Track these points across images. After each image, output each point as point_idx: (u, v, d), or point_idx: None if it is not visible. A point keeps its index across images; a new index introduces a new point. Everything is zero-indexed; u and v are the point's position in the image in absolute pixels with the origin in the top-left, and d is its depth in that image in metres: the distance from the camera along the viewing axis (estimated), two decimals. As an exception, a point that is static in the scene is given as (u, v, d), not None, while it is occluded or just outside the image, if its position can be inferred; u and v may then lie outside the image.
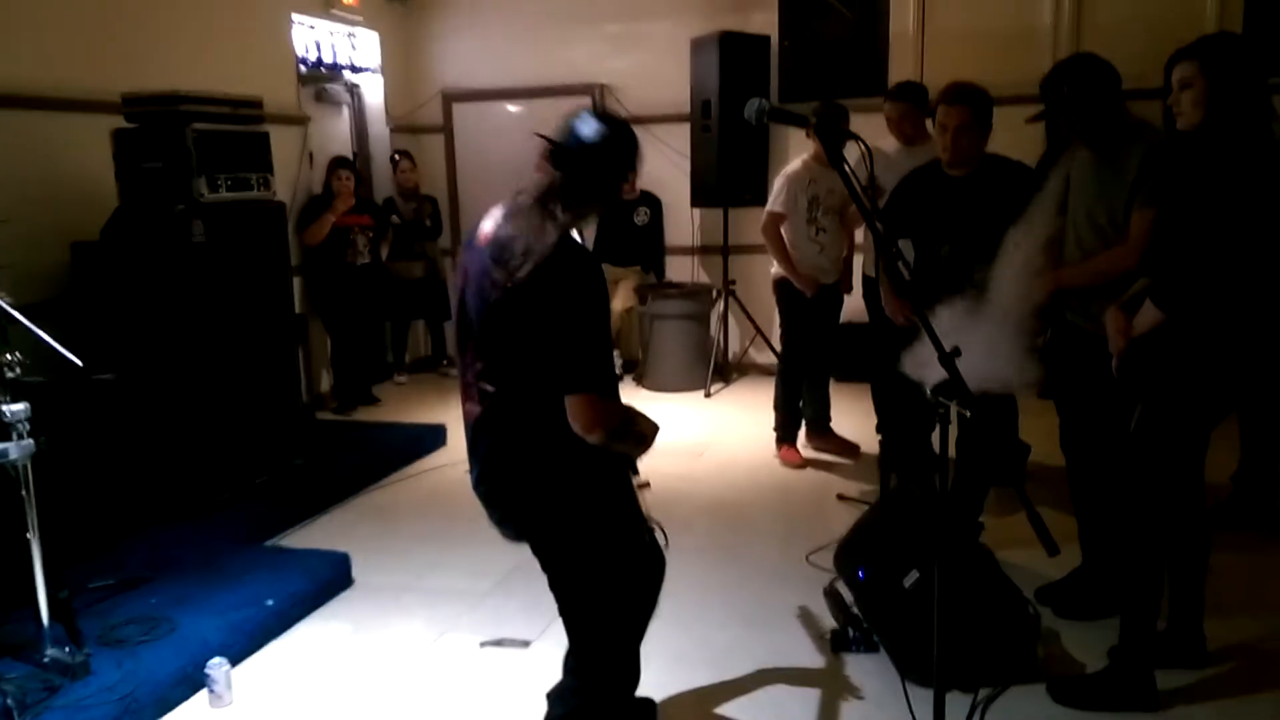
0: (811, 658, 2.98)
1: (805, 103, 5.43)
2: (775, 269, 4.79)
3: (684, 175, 6.54)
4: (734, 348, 6.91)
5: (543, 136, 2.06)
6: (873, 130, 4.65)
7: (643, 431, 2.10)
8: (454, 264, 6.08)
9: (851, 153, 2.21)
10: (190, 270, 3.96)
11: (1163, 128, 2.86)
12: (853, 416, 5.18)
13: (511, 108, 7.23)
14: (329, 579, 3.53)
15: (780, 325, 4.95)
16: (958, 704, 2.54)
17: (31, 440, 2.64)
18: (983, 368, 1.99)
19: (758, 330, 6.59)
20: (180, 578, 3.38)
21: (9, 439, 2.61)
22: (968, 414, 1.87)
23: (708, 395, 6.37)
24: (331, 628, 3.30)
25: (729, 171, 6.20)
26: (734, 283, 6.55)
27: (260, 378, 4.35)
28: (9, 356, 2.69)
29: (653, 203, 6.80)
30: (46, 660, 2.69)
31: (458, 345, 2.17)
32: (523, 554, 2.21)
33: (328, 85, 6.69)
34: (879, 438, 4.32)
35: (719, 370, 6.63)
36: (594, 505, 2.12)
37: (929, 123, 4.20)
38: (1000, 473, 3.65)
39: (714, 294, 6.66)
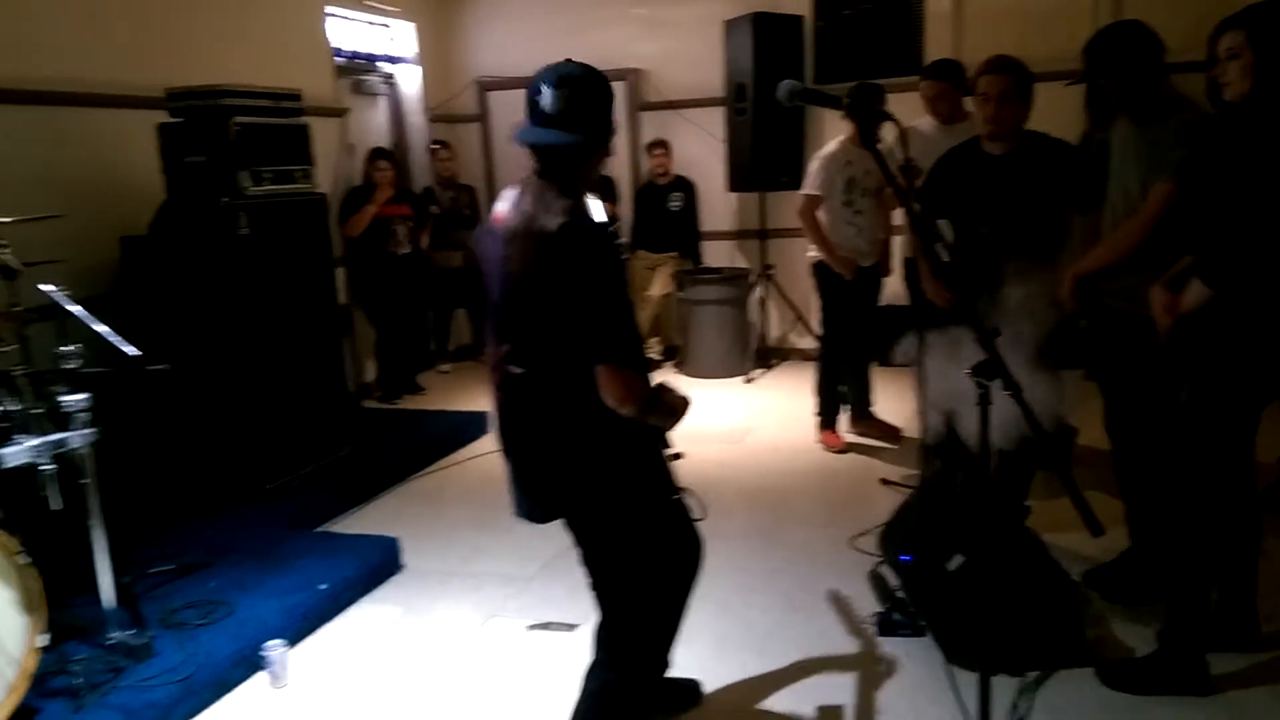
0: (855, 642, 2.99)
1: (840, 83, 5.39)
2: (813, 252, 4.77)
3: (719, 159, 6.53)
4: (773, 333, 6.89)
5: (523, 117, 2.05)
6: (909, 110, 4.61)
7: (673, 404, 2.11)
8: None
9: (889, 133, 2.19)
10: (236, 263, 4.04)
11: (1206, 101, 2.81)
12: (895, 400, 5.16)
13: (547, 95, 7.22)
14: (379, 563, 3.60)
15: (819, 309, 4.93)
16: (1004, 688, 2.55)
17: (92, 429, 2.73)
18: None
19: (797, 314, 6.57)
20: (236, 563, 3.46)
21: (70, 429, 2.69)
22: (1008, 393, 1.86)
23: (748, 381, 6.37)
24: (382, 611, 3.37)
25: (765, 155, 6.17)
26: (772, 267, 6.53)
27: (307, 368, 4.42)
28: (69, 349, 2.77)
29: (687, 187, 6.79)
30: (111, 643, 2.78)
31: (485, 329, 2.20)
32: (567, 539, 2.24)
33: (365, 76, 6.75)
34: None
35: (759, 355, 6.62)
36: (625, 476, 2.13)
37: (967, 101, 4.17)
38: (1045, 455, 3.62)
39: (752, 278, 6.65)
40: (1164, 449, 2.74)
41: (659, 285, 6.68)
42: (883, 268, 4.90)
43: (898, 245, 5.02)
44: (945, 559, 2.86)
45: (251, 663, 2.90)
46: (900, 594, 3.13)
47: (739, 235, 6.89)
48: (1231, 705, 2.53)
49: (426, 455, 4.96)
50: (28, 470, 2.60)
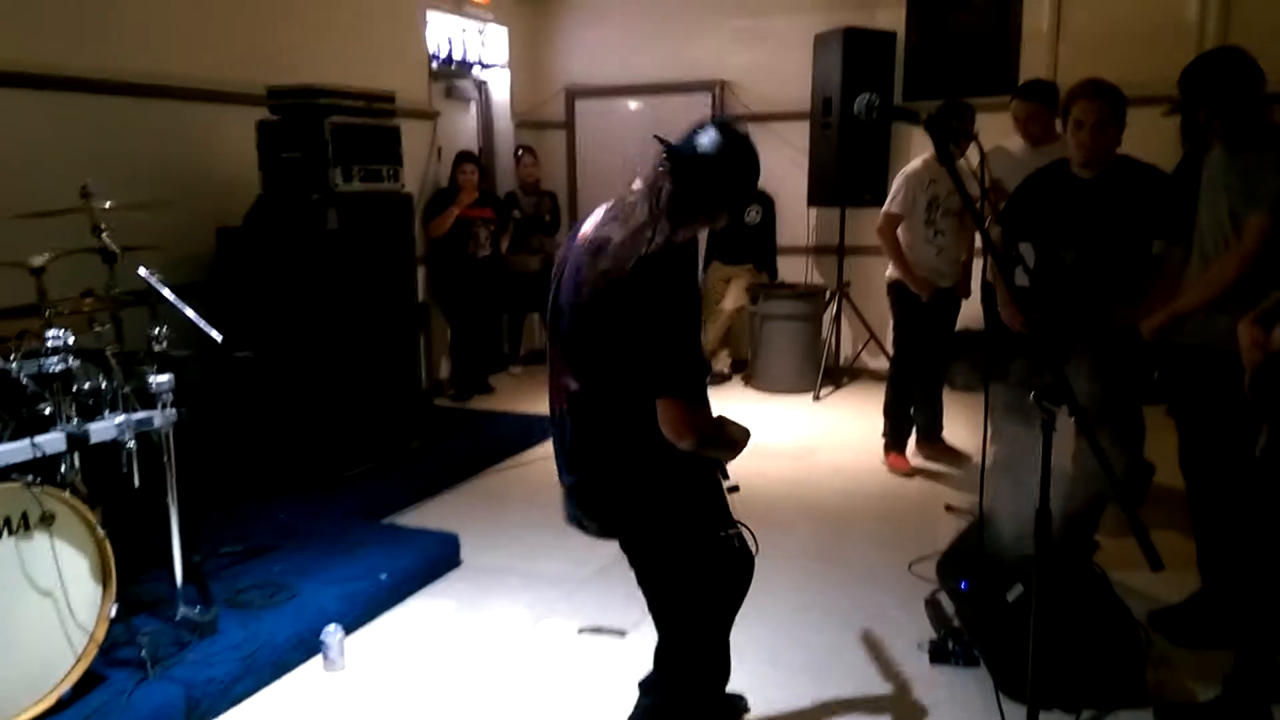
0: (908, 667, 2.94)
1: (930, 100, 5.30)
2: (891, 271, 4.70)
3: (801, 173, 6.48)
4: (846, 351, 6.81)
5: (661, 140, 2.01)
6: (1000, 130, 4.52)
7: (733, 437, 2.08)
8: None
9: (973, 152, 2.16)
10: (324, 257, 4.17)
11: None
12: (966, 426, 5.04)
13: (632, 104, 7.31)
14: (439, 558, 3.67)
15: (894, 329, 4.85)
16: (1058, 724, 2.48)
17: (174, 410, 2.85)
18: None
19: (871, 334, 6.48)
20: (302, 548, 3.57)
21: (154, 408, 2.82)
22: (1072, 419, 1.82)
23: (817, 398, 6.30)
24: (439, 604, 3.44)
25: (848, 170, 6.11)
26: (849, 284, 6.46)
27: (383, 363, 4.54)
28: (157, 331, 2.90)
29: (764, 201, 6.76)
30: (179, 618, 2.89)
31: (548, 339, 2.17)
32: (622, 545, 2.26)
33: (457, 81, 6.91)
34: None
35: (829, 373, 6.55)
36: (680, 508, 2.10)
37: (1058, 123, 4.06)
38: (1115, 490, 3.50)
39: (827, 295, 6.58)
40: (1239, 491, 2.63)
41: (732, 298, 6.67)
42: (962, 290, 4.81)
43: (978, 267, 4.92)
44: (1004, 589, 2.79)
45: (309, 646, 2.99)
46: (956, 622, 3.06)
47: (817, 250, 6.82)
48: (1300, 763, 2.42)
49: (493, 454, 5.03)
50: (112, 448, 2.73)
